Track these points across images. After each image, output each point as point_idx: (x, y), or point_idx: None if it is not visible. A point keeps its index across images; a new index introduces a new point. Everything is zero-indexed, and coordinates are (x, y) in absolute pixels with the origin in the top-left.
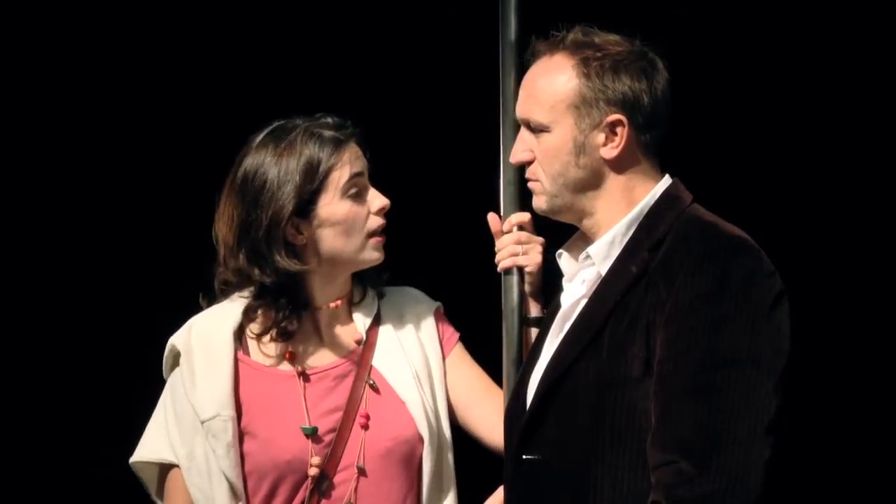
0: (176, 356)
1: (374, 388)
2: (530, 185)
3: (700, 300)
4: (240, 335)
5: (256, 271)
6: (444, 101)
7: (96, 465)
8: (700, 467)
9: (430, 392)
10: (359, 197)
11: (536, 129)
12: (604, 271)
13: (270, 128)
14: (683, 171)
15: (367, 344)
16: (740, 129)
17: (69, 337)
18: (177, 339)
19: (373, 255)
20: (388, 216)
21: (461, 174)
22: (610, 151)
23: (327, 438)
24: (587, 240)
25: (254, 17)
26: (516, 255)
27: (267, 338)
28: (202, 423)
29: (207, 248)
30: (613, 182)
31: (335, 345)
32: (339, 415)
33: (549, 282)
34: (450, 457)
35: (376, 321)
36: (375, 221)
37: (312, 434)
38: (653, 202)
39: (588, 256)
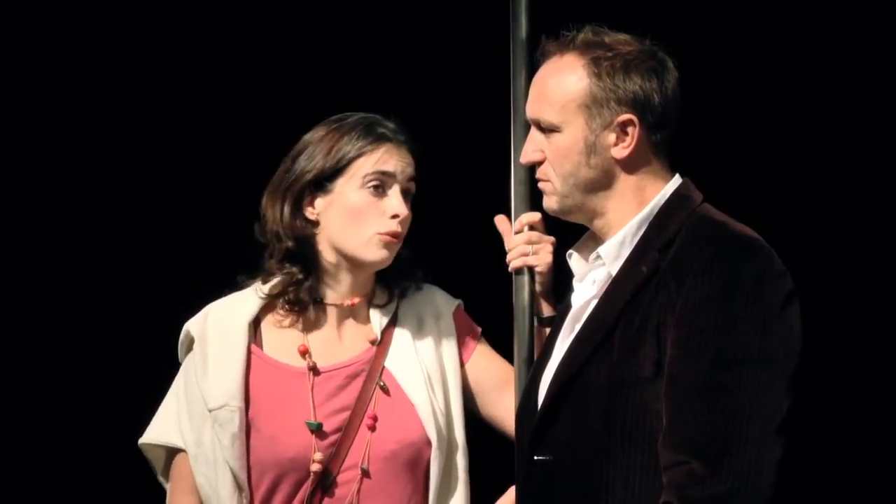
0: (191, 342)
1: (385, 390)
2: (541, 185)
3: (711, 300)
4: (255, 327)
5: (275, 227)
6: (454, 101)
7: (108, 444)
8: (712, 468)
9: (441, 395)
10: (378, 193)
11: (547, 129)
12: (614, 271)
13: (342, 114)
14: (694, 170)
15: (382, 344)
16: (751, 128)
17: (88, 317)
18: (192, 325)
19: (377, 252)
20: (407, 227)
21: (472, 174)
22: (621, 151)
23: (333, 437)
24: (597, 240)
25: (265, 17)
26: (527, 255)
27: (287, 321)
28: (210, 411)
29: (228, 230)
30: (624, 182)
31: (349, 344)
32: (347, 414)
33: (559, 282)
34: (461, 461)
35: (393, 322)
36: (387, 224)
37: (317, 429)
38: (663, 202)
39: (598, 257)
